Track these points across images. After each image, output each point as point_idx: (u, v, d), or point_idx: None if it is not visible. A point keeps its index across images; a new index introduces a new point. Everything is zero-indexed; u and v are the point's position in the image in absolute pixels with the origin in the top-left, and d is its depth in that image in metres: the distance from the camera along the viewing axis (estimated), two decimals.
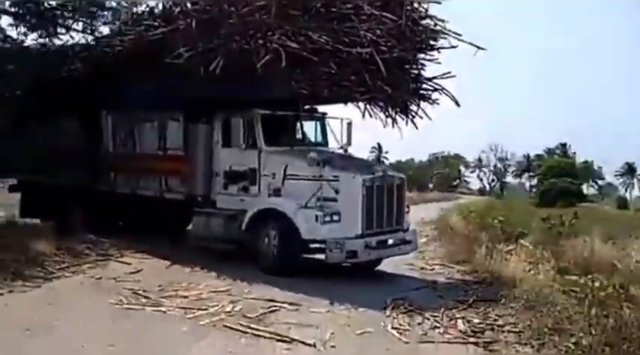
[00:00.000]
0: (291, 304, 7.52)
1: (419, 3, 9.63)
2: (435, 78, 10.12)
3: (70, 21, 13.22)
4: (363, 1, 8.79)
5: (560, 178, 44.12)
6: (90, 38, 13.47)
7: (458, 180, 74.10)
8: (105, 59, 11.55)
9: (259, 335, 6.26)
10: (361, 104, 10.58)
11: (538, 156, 60.25)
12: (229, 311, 7.13)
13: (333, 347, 6.01)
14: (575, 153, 62.50)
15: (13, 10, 12.74)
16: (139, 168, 11.83)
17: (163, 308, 7.32)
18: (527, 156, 66.67)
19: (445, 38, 9.74)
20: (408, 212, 10.36)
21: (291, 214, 9.25)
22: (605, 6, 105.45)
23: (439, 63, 10.04)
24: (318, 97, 9.90)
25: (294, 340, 6.09)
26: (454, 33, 9.72)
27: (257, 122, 9.99)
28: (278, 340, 6.12)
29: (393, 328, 6.68)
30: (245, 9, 9.24)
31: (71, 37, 13.55)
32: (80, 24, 13.39)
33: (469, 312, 7.37)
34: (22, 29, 12.87)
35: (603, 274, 7.66)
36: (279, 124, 10.28)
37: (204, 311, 7.14)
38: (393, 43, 8.88)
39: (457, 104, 10.04)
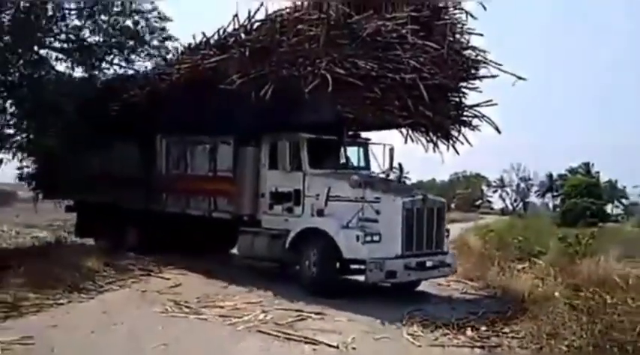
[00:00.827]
0: (317, 314, 8.24)
1: (461, 34, 10.02)
2: (476, 105, 10.41)
3: (112, 56, 14.17)
4: (407, 32, 9.17)
5: (582, 198, 43.93)
6: (144, 68, 14.45)
7: (480, 200, 72.98)
8: (161, 86, 12.31)
9: (289, 339, 7.04)
10: (403, 130, 10.93)
11: (561, 176, 58.99)
12: (262, 319, 7.94)
13: (354, 348, 6.76)
14: (598, 172, 60.75)
15: (59, 46, 13.71)
16: (189, 189, 12.39)
17: (204, 316, 8.15)
18: (550, 176, 65.68)
19: (486, 67, 10.09)
20: (448, 236, 10.54)
21: (333, 233, 9.56)
22: None
23: (480, 91, 10.37)
24: (362, 123, 10.33)
25: (319, 342, 6.87)
26: (495, 63, 10.07)
27: (302, 146, 10.44)
28: (306, 342, 6.89)
29: (408, 334, 7.39)
30: (295, 39, 9.79)
31: (115, 70, 14.63)
32: (122, 58, 14.34)
33: (478, 322, 8.03)
34: (69, 64, 13.79)
35: (613, 290, 7.95)
36: (323, 148, 10.69)
37: (240, 319, 7.94)
38: (435, 71, 9.24)
39: (498, 131, 10.28)
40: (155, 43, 14.28)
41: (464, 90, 10.45)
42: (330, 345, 6.79)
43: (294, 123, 10.36)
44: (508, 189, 73.86)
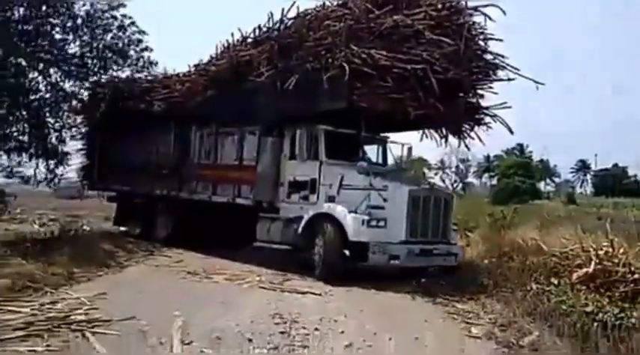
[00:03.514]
0: (300, 276, 10.23)
1: (479, 37, 10.41)
2: (490, 107, 10.72)
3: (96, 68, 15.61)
4: (424, 27, 9.66)
5: (516, 177, 46.39)
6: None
7: None
8: (200, 81, 13.22)
9: (284, 291, 9.00)
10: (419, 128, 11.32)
11: (497, 157, 59.89)
12: (259, 280, 9.75)
13: (332, 295, 8.86)
14: (532, 152, 63.62)
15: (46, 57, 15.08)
16: (217, 177, 13.06)
17: (215, 279, 9.88)
18: (488, 157, 66.30)
19: (502, 70, 10.42)
20: (457, 229, 10.72)
21: (341, 218, 9.96)
22: None
23: (495, 93, 10.69)
24: (380, 118, 10.69)
25: (307, 292, 8.89)
26: (512, 67, 10.39)
27: (320, 137, 10.95)
28: (297, 293, 8.86)
29: (372, 288, 9.32)
30: (319, 33, 10.46)
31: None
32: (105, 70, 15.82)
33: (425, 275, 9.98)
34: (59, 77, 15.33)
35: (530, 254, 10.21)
36: (341, 141, 11.11)
37: (242, 280, 9.74)
38: (448, 66, 9.64)
39: (511, 132, 10.54)
40: (132, 53, 15.70)
41: (480, 91, 10.75)
42: (314, 293, 8.82)
43: (315, 115, 10.85)
44: (448, 171, 73.39)
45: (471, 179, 74.05)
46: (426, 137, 11.34)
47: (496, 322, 7.20)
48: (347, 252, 9.86)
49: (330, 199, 10.55)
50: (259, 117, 11.83)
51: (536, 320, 6.98)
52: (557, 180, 75.82)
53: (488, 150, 61.09)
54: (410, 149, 11.67)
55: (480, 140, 10.96)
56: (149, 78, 15.90)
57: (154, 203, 14.87)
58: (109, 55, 15.22)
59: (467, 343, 6.49)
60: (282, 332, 6.37)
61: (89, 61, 15.15)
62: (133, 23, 15.40)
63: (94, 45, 14.97)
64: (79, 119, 17.46)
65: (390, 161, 12.01)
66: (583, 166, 79.57)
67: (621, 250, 8.36)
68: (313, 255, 10.33)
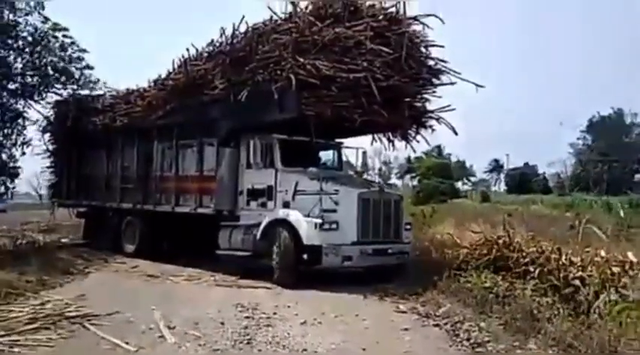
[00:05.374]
0: (250, 279, 10.90)
1: (420, 44, 10.92)
2: (434, 111, 11.26)
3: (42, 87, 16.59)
4: (366, 37, 10.13)
5: (434, 178, 49.05)
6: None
7: None
8: (159, 96, 13.59)
9: (240, 287, 10.25)
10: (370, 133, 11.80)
11: (417, 158, 61.33)
12: (215, 280, 10.95)
13: (282, 287, 10.05)
14: (450, 154, 67.15)
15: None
16: (180, 188, 13.41)
17: (175, 280, 10.99)
18: (409, 159, 67.66)
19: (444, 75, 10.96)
20: (410, 229, 11.21)
21: (295, 223, 10.36)
22: None
23: (439, 97, 11.22)
24: (329, 123, 11.06)
25: (259, 287, 10.12)
26: (454, 71, 10.92)
27: (275, 145, 11.37)
28: (250, 288, 10.15)
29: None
30: (268, 46, 10.90)
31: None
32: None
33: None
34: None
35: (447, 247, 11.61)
36: (295, 149, 11.52)
37: (200, 280, 10.96)
38: (390, 74, 10.12)
39: (455, 133, 11.08)
40: (74, 71, 16.74)
41: (425, 95, 11.26)
42: (267, 287, 10.12)
43: (269, 124, 11.25)
44: (371, 173, 75.50)
45: (393, 180, 75.71)
46: (375, 141, 11.82)
47: (417, 300, 8.86)
48: (305, 256, 10.20)
49: (286, 205, 10.96)
50: (216, 128, 12.24)
51: (449, 297, 8.66)
52: (473, 179, 79.17)
53: (410, 153, 62.91)
54: (364, 153, 12.26)
55: (427, 142, 11.52)
56: (112, 93, 16.31)
57: (121, 216, 15.16)
58: (52, 73, 16.01)
59: (396, 316, 8.09)
60: (247, 317, 7.63)
61: (31, 79, 15.92)
62: (73, 43, 16.38)
63: (37, 64, 15.74)
64: (46, 137, 17.95)
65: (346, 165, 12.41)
66: (497, 165, 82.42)
67: (516, 239, 10.21)
68: (272, 260, 10.71)
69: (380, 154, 73.56)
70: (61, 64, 16.21)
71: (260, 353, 6.16)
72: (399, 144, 12.00)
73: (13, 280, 9.31)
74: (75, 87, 16.91)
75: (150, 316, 7.42)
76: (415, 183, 60.02)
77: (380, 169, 74.52)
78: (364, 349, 6.35)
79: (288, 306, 8.38)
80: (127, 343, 6.27)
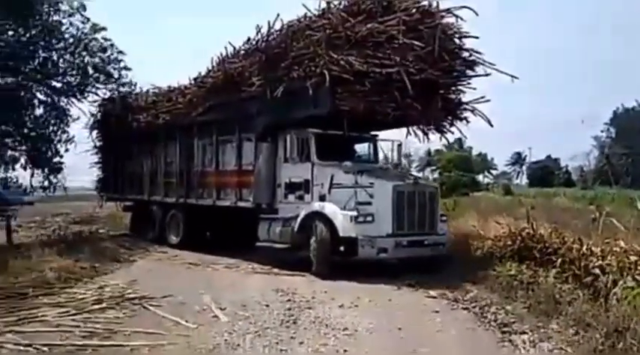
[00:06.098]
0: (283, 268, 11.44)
1: (453, 36, 10.93)
2: (469, 102, 11.26)
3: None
4: (398, 33, 10.22)
5: (456, 171, 49.21)
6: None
7: None
8: (199, 93, 14.03)
9: (276, 274, 10.93)
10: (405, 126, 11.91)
11: (438, 151, 61.04)
12: (252, 268, 11.63)
13: (317, 276, 10.51)
14: (471, 147, 65.56)
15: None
16: (220, 182, 13.85)
17: (217, 268, 11.76)
18: (429, 151, 67.14)
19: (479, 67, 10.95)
20: (445, 221, 11.30)
21: (331, 215, 10.61)
22: None
23: (474, 88, 11.22)
24: (364, 117, 11.26)
25: (296, 274, 10.65)
26: (489, 63, 10.90)
27: (310, 139, 11.60)
28: (286, 275, 10.71)
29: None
30: (302, 43, 11.12)
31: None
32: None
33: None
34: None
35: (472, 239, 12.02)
36: (331, 142, 11.73)
37: (239, 268, 11.69)
38: (423, 67, 10.20)
39: (490, 125, 11.08)
40: (113, 71, 17.59)
41: (459, 87, 11.29)
42: (302, 275, 10.58)
43: (305, 119, 11.47)
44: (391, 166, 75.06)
45: (414, 173, 75.16)
46: (410, 134, 11.91)
47: (448, 287, 9.26)
48: (341, 248, 10.41)
49: (322, 198, 11.20)
50: (254, 124, 12.56)
51: (476, 283, 9.34)
52: (494, 172, 79.51)
53: (430, 145, 62.59)
54: (400, 145, 12.31)
55: (462, 134, 11.56)
56: (154, 91, 16.89)
57: (166, 210, 15.73)
58: (92, 72, 16.85)
59: (427, 301, 8.66)
60: (288, 300, 8.33)
61: (73, 79, 16.79)
62: (112, 45, 17.17)
63: (78, 64, 16.62)
64: (94, 134, 18.79)
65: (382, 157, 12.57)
66: (519, 158, 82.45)
67: (540, 231, 10.41)
68: (309, 252, 10.99)
69: (401, 147, 74.18)
70: (101, 64, 17.01)
71: (306, 331, 6.70)
72: (432, 136, 12.03)
73: (70, 266, 10.19)
74: (114, 86, 17.73)
75: (199, 299, 8.17)
76: (436, 175, 59.88)
77: (399, 162, 74.86)
78: (400, 328, 6.91)
79: (325, 292, 8.96)
80: (186, 321, 6.94)
